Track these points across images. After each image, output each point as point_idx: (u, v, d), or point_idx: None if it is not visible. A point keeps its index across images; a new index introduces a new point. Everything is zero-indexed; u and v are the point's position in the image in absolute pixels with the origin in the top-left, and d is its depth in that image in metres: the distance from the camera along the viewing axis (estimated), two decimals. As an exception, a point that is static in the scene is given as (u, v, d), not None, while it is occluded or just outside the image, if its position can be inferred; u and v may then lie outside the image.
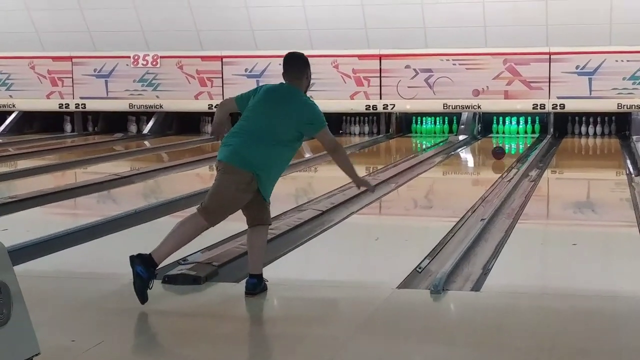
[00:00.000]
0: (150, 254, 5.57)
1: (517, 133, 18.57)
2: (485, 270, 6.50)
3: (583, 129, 18.42)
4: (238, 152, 5.66)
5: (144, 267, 5.42)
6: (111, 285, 6.07)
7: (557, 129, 18.20)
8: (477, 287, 6.04)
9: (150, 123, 19.60)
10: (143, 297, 5.36)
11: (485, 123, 18.81)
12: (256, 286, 5.68)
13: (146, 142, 18.07)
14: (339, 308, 5.58)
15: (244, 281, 5.88)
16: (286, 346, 4.76)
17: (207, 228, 5.84)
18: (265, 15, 18.22)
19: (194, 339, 4.87)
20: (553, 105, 17.78)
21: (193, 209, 9.32)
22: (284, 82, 5.94)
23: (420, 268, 6.53)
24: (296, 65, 5.95)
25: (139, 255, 5.54)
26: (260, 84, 19.15)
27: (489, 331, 4.96)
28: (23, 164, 14.17)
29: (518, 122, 18.63)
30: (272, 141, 5.70)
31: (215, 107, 18.62)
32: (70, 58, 19.66)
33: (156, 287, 5.85)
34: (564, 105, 17.74)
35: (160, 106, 19.33)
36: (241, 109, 5.94)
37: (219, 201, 5.77)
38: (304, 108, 5.83)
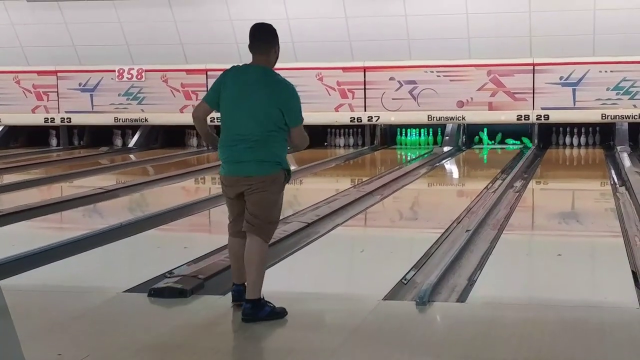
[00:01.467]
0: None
1: (419, 144, 18.71)
2: (471, 282, 6.51)
3: (567, 139, 18.51)
4: (249, 160, 5.43)
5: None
6: (97, 299, 6.05)
7: (541, 139, 18.27)
8: (462, 298, 6.06)
9: (136, 136, 19.59)
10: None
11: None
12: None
13: (132, 156, 18.06)
14: (325, 320, 5.58)
15: (230, 294, 5.88)
16: (273, 358, 4.76)
17: None
18: (248, 28, 18.16)
19: (180, 352, 4.87)
20: (537, 116, 17.86)
21: (179, 222, 9.42)
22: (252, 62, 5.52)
23: (405, 279, 6.54)
24: (263, 37, 5.54)
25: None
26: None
27: (475, 342, 4.97)
28: (8, 179, 14.13)
29: (420, 134, 18.75)
30: (264, 131, 5.42)
31: (200, 120, 18.76)
32: (55, 72, 19.64)
33: (142, 300, 5.86)
34: (548, 116, 17.83)
35: (146, 119, 19.32)
36: (216, 107, 5.62)
37: (276, 215, 5.72)
38: (284, 92, 5.46)
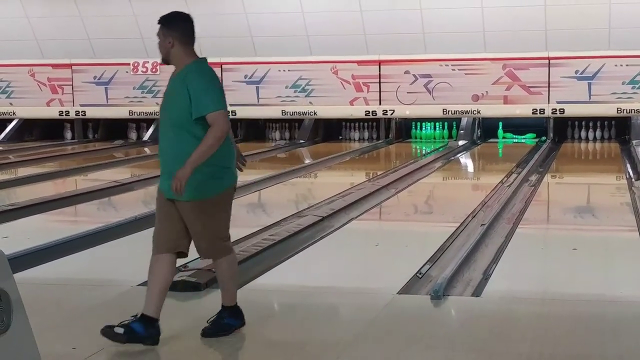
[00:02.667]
0: None
1: (434, 138, 18.67)
2: (486, 276, 6.49)
3: (583, 133, 18.43)
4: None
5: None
6: (112, 292, 6.07)
7: (556, 133, 18.20)
8: (477, 292, 6.04)
9: (150, 130, 19.59)
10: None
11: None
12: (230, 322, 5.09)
13: (146, 149, 18.07)
14: (340, 314, 5.58)
15: (245, 287, 5.87)
16: (287, 353, 4.76)
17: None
18: (264, 22, 18.23)
19: (194, 345, 4.88)
20: (552, 110, 17.79)
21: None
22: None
23: (420, 273, 6.53)
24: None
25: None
26: (258, 89, 18.81)
27: (489, 337, 4.96)
28: (23, 172, 14.17)
29: (435, 128, 18.73)
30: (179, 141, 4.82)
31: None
32: (70, 65, 19.67)
33: (157, 293, 5.84)
34: (563, 110, 17.75)
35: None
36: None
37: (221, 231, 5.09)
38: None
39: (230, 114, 17.97)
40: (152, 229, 8.47)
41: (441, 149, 17.27)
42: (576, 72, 17.64)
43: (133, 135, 20.09)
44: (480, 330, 5.11)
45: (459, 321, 5.51)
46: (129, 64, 19.28)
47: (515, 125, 18.78)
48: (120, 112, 19.60)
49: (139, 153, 17.47)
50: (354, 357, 4.68)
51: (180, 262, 6.62)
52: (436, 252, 7.29)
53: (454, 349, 4.78)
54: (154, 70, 19.19)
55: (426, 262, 6.85)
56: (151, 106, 19.21)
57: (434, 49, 17.91)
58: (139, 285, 6.16)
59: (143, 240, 8.10)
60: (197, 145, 4.68)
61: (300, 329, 5.21)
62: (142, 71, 19.29)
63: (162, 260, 5.04)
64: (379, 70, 18.26)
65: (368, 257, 7.63)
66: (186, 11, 18.48)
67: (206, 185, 4.81)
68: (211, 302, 5.77)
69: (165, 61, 4.95)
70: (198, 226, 4.90)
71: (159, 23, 5.00)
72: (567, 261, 7.17)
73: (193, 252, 7.05)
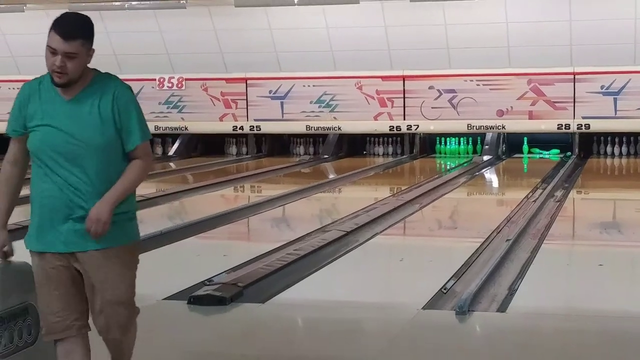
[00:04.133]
0: None
1: (459, 153, 18.62)
2: (511, 291, 6.47)
3: (609, 149, 18.33)
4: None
5: None
6: (138, 305, 6.08)
7: (582, 149, 18.12)
8: (502, 308, 6.01)
9: (176, 145, 19.69)
10: None
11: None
12: None
13: (171, 164, 18.16)
14: (364, 329, 5.58)
15: (270, 301, 5.88)
16: (311, 367, 4.77)
17: None
18: (288, 37, 18.29)
19: (220, 359, 4.89)
20: (578, 125, 17.72)
21: (219, 230, 9.45)
22: None
23: (445, 289, 6.51)
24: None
25: None
26: (282, 104, 18.79)
27: (514, 352, 4.95)
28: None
29: (459, 143, 18.71)
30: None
31: (240, 128, 18.88)
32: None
33: (181, 307, 5.89)
34: (589, 125, 17.67)
35: (185, 128, 19.42)
36: None
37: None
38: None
39: (255, 128, 17.94)
40: (177, 243, 8.56)
41: (466, 164, 17.23)
42: (602, 87, 17.56)
43: (158, 150, 20.17)
44: (504, 345, 5.10)
45: (483, 337, 5.49)
46: (155, 79, 19.39)
47: (541, 141, 18.72)
48: (147, 127, 19.65)
49: (164, 168, 17.53)
50: (379, 372, 4.68)
51: (204, 275, 6.69)
52: (461, 267, 7.27)
53: (479, 364, 4.77)
54: (179, 85, 19.29)
55: (451, 278, 6.83)
56: (177, 121, 19.31)
57: (459, 64, 17.90)
58: (164, 299, 6.18)
59: (168, 255, 8.16)
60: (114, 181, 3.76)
61: (324, 344, 5.21)
62: (167, 86, 19.39)
63: (78, 347, 3.82)
64: (404, 86, 18.26)
65: (392, 272, 7.63)
66: (211, 27, 18.73)
67: (124, 229, 3.86)
68: (237, 317, 5.79)
69: (72, 81, 3.70)
70: (116, 282, 3.84)
71: (73, 34, 3.63)
72: (592, 277, 7.14)
73: (219, 266, 7.09)
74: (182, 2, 17.70)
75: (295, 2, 17.24)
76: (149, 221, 10.64)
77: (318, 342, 5.26)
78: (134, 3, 17.88)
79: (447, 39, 17.75)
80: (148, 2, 18.02)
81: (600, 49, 17.26)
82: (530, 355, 4.91)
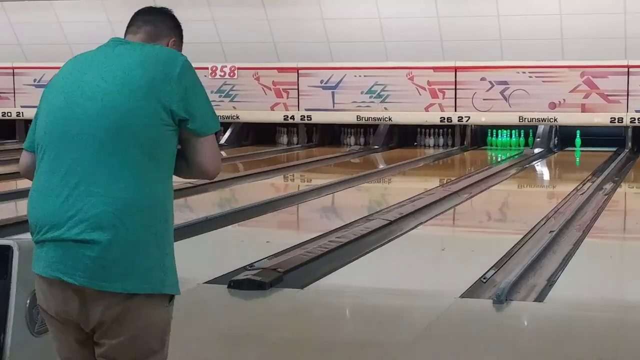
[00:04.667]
0: None
1: (510, 146, 18.48)
2: (551, 282, 6.47)
3: (662, 143, 18.12)
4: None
5: None
6: (180, 288, 6.19)
7: (635, 143, 17.92)
8: (540, 298, 6.02)
9: (227, 133, 19.83)
10: None
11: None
12: None
13: (223, 152, 18.29)
14: (401, 316, 5.62)
15: (309, 287, 5.95)
16: (346, 352, 4.83)
17: None
18: (341, 27, 18.32)
19: (256, 343, 4.97)
20: (631, 118, 17.53)
21: (265, 217, 9.55)
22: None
23: (485, 278, 6.52)
24: (158, 16, 3.09)
25: None
26: (333, 94, 18.70)
27: (548, 342, 4.96)
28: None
29: (510, 135, 18.57)
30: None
31: (291, 118, 18.98)
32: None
33: (222, 291, 5.99)
34: (642, 119, 17.48)
35: (237, 117, 19.56)
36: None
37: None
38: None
39: (306, 118, 17.96)
40: (223, 229, 8.68)
41: (516, 156, 17.15)
42: (656, 80, 17.36)
43: (210, 139, 20.36)
44: (539, 335, 5.12)
45: (519, 326, 5.51)
46: (207, 68, 19.54)
47: (594, 134, 18.55)
48: (198, 116, 19.82)
49: (215, 156, 17.69)
50: (411, 358, 4.73)
51: (246, 261, 6.77)
52: (502, 257, 7.27)
53: (512, 353, 4.79)
54: (231, 74, 19.43)
55: (491, 267, 6.84)
56: (229, 110, 19.44)
57: (511, 55, 17.80)
58: (205, 283, 6.28)
59: (213, 240, 8.28)
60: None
61: (361, 330, 5.28)
62: (220, 75, 19.54)
63: None
64: (455, 77, 18.20)
65: (433, 261, 7.66)
66: (264, 16, 18.72)
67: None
68: (275, 301, 5.87)
69: None
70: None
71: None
72: (633, 270, 7.11)
73: (261, 251, 7.17)
74: (235, -9, 17.83)
75: (348, -8, 17.29)
76: (198, 207, 10.79)
77: (355, 327, 5.33)
78: (187, -8, 18.05)
79: (500, 30, 17.66)
80: (202, -9, 18.18)
81: (655, 42, 17.07)
82: (565, 343, 4.93)
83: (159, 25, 3.05)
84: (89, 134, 2.74)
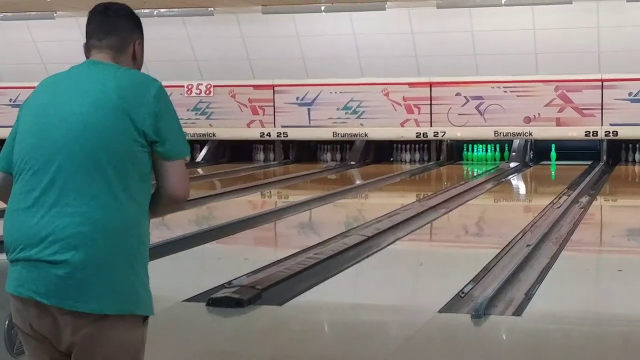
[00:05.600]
0: None
1: (486, 160, 18.59)
2: (528, 296, 6.50)
3: (637, 156, 18.25)
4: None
5: None
6: (156, 307, 6.15)
7: (610, 156, 18.06)
8: (518, 312, 6.05)
9: (204, 151, 19.83)
10: None
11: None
12: None
13: (199, 170, 18.28)
14: (379, 331, 5.63)
15: (287, 304, 5.95)
16: (325, 367, 4.84)
17: None
18: (316, 44, 18.39)
19: None
20: (606, 132, 17.66)
21: (242, 234, 9.54)
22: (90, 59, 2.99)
23: (463, 293, 6.55)
24: (117, 22, 3.01)
25: None
26: (309, 111, 18.65)
27: (526, 355, 4.98)
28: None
29: (486, 150, 18.69)
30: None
31: (267, 135, 18.99)
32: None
33: (200, 309, 5.97)
34: (617, 132, 17.61)
35: (214, 134, 19.56)
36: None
37: None
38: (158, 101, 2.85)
39: (282, 135, 17.95)
40: (200, 246, 8.66)
41: (492, 170, 17.23)
42: (630, 94, 17.50)
43: (187, 157, 20.31)
44: (518, 349, 5.14)
45: (497, 340, 5.53)
46: (183, 86, 19.55)
47: (569, 148, 18.67)
48: (175, 134, 19.80)
49: (192, 174, 17.67)
50: (391, 372, 4.74)
51: (224, 278, 6.76)
52: (480, 271, 7.30)
53: (490, 366, 4.81)
54: (207, 92, 19.44)
55: (469, 282, 6.87)
56: (205, 127, 19.46)
57: (486, 70, 17.91)
58: (183, 301, 6.27)
59: (190, 258, 8.26)
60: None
61: (339, 346, 5.28)
62: (196, 93, 19.55)
63: None
64: (430, 92, 18.29)
65: (411, 276, 7.68)
66: (239, 34, 18.72)
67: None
68: (254, 319, 5.87)
69: None
70: None
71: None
72: (610, 283, 7.16)
73: (239, 269, 7.16)
74: (210, 9, 17.87)
75: (322, 9, 17.36)
76: (175, 225, 10.76)
77: (333, 342, 5.34)
78: (162, 10, 18.07)
79: (474, 45, 17.78)
80: (176, 10, 18.20)
81: (628, 56, 17.21)
82: (543, 357, 4.95)
83: (121, 33, 3.02)
84: (64, 155, 2.76)
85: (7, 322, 3.37)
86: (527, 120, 17.97)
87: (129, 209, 2.77)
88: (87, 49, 3.02)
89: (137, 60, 3.05)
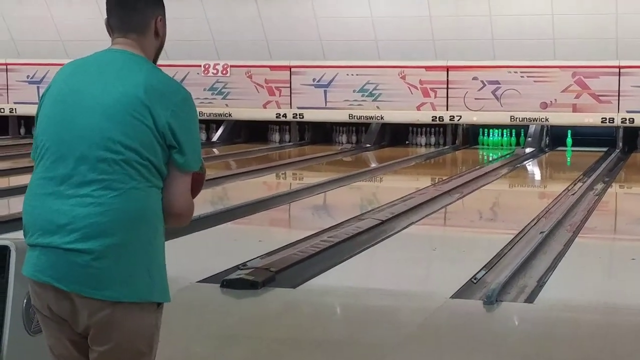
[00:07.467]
0: None
1: (501, 145, 18.56)
2: (541, 283, 6.53)
3: (653, 143, 18.20)
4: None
5: None
6: (172, 288, 6.22)
7: (626, 143, 18.00)
8: (530, 299, 6.08)
9: (220, 131, 19.86)
10: None
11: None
12: None
13: (215, 150, 18.33)
14: (391, 316, 5.67)
15: (301, 287, 6.00)
16: (335, 350, 4.88)
17: None
18: (333, 26, 18.37)
19: (247, 342, 5.02)
20: (622, 119, 17.61)
21: (257, 216, 9.59)
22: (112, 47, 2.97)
23: (475, 279, 6.58)
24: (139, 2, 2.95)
25: None
26: (326, 92, 18.58)
27: (536, 342, 5.02)
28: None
29: (502, 134, 18.66)
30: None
31: (283, 116, 19.01)
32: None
33: (214, 290, 6.03)
34: (633, 119, 17.54)
35: (229, 114, 19.58)
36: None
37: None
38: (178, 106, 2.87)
39: (298, 116, 17.91)
40: (215, 227, 8.70)
41: (508, 155, 17.22)
42: (647, 81, 17.44)
43: (202, 136, 20.33)
44: (529, 335, 5.18)
45: (508, 326, 5.57)
46: (200, 66, 19.57)
47: (585, 134, 18.63)
48: (191, 113, 19.83)
49: (207, 154, 17.70)
50: (400, 357, 4.78)
51: (238, 260, 6.82)
52: (493, 258, 7.32)
53: (499, 353, 4.85)
54: (224, 72, 19.46)
55: (482, 268, 6.89)
56: (221, 107, 19.49)
57: (503, 55, 17.86)
58: (198, 282, 6.33)
59: (205, 239, 8.31)
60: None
61: (351, 329, 5.33)
62: (212, 73, 19.57)
63: None
64: (447, 76, 18.25)
65: (424, 261, 7.72)
66: (257, 14, 18.67)
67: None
68: (267, 301, 5.92)
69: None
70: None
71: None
72: (623, 271, 7.18)
73: (254, 251, 7.22)
74: (228, -11, 17.87)
75: (341, -9, 17.34)
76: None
77: (346, 326, 5.38)
78: (181, -10, 18.07)
79: (492, 30, 17.73)
80: (195, -11, 18.20)
81: (646, 43, 17.15)
82: (553, 344, 4.98)
83: (142, 10, 2.95)
84: (86, 144, 2.79)
85: (25, 301, 3.42)
86: (544, 105, 17.92)
87: (147, 199, 2.80)
88: (109, 27, 2.98)
89: (159, 37, 3.00)
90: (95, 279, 2.74)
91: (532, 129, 18.30)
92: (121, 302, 2.77)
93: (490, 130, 18.86)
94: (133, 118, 2.78)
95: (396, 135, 19.18)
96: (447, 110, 18.30)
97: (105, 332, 2.80)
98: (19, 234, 3.03)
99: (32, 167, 2.92)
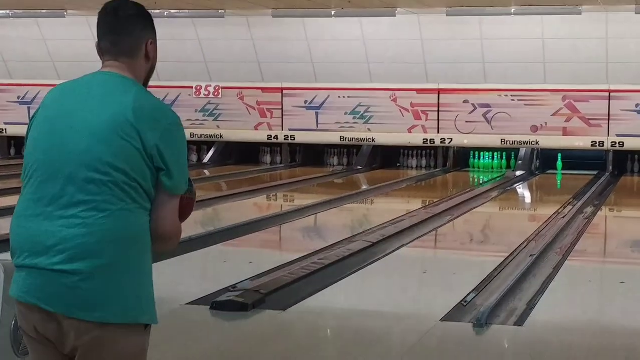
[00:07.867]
0: None
1: (492, 168, 18.60)
2: (531, 306, 6.53)
3: (643, 167, 18.26)
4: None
5: None
6: (160, 310, 6.19)
7: (616, 167, 18.06)
8: (520, 321, 6.08)
9: (211, 152, 19.86)
10: None
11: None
12: None
13: (206, 171, 18.33)
14: (381, 338, 5.66)
15: (291, 309, 5.98)
16: (327, 374, 4.87)
17: None
18: (325, 49, 18.42)
19: (238, 363, 5.00)
20: (612, 142, 17.68)
21: (248, 237, 9.58)
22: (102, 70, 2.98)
23: (465, 302, 6.58)
24: (127, 24, 2.96)
25: None
26: (317, 114, 18.62)
27: (527, 365, 5.02)
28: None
29: (493, 157, 18.70)
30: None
31: (274, 138, 19.03)
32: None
33: (204, 312, 6.01)
34: (623, 143, 17.61)
35: (221, 136, 19.59)
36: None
37: None
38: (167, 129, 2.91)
39: (290, 138, 17.90)
40: (205, 249, 8.69)
41: (498, 178, 17.26)
42: (637, 105, 17.50)
43: (194, 157, 20.34)
44: (518, 358, 5.18)
45: (498, 349, 5.57)
46: (192, 87, 19.59)
47: (575, 158, 18.68)
48: (182, 134, 19.83)
49: (198, 175, 17.71)
50: (392, 380, 4.78)
51: (228, 282, 6.81)
52: (483, 280, 7.33)
53: (491, 376, 4.84)
54: (216, 94, 19.48)
55: (472, 291, 6.90)
56: (212, 129, 19.49)
57: (494, 79, 17.93)
58: (187, 304, 6.31)
59: (196, 261, 8.30)
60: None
61: (343, 351, 5.32)
62: (204, 94, 19.59)
63: None
64: (438, 99, 18.31)
65: (414, 284, 7.71)
66: (249, 36, 18.75)
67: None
68: (258, 323, 5.91)
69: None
70: None
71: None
72: (612, 294, 7.18)
73: (244, 272, 7.20)
74: (220, 11, 17.92)
75: (333, 13, 17.39)
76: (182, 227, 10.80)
77: (335, 349, 5.37)
78: (173, 11, 18.11)
79: (483, 53, 17.80)
80: (187, 11, 18.24)
81: (636, 68, 17.22)
82: (543, 368, 4.99)
83: (132, 34, 2.96)
84: (74, 166, 2.79)
85: (13, 323, 3.41)
86: (534, 129, 17.98)
87: (135, 221, 2.80)
88: (100, 51, 2.99)
89: (150, 60, 3.02)
90: (83, 300, 2.74)
91: (522, 152, 18.36)
92: (109, 324, 2.76)
93: (481, 153, 18.90)
94: (122, 140, 2.79)
95: (387, 157, 19.20)
96: (438, 132, 18.34)
97: (93, 354, 2.79)
98: (7, 255, 3.03)
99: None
